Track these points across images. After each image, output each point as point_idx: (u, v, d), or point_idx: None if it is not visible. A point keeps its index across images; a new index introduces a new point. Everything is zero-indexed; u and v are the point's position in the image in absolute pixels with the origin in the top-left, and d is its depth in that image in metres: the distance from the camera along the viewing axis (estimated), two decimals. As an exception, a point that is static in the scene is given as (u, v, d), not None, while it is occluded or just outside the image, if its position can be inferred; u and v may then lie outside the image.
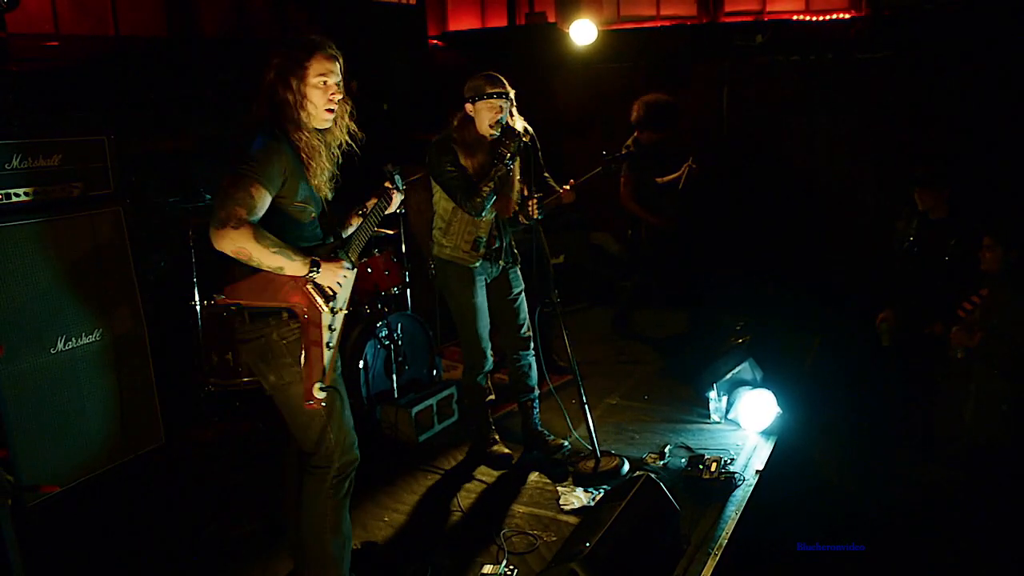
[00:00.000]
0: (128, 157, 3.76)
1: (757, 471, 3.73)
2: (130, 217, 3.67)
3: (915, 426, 4.37)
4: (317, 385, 2.46)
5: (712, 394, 4.38)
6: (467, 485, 3.74)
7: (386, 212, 2.83)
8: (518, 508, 3.51)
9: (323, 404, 2.49)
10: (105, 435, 3.58)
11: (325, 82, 2.51)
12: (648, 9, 7.32)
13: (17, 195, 3.27)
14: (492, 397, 4.05)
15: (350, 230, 2.81)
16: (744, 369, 4.40)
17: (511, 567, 2.94)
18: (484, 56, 7.35)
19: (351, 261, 2.65)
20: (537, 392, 4.00)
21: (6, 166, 3.23)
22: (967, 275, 4.17)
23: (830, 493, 4.01)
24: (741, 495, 3.51)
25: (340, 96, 2.56)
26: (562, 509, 3.47)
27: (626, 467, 3.74)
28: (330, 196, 2.69)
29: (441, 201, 3.69)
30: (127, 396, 3.65)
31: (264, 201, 2.37)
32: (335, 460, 2.62)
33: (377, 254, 4.56)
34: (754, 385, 4.34)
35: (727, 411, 4.36)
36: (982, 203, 4.72)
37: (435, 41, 7.70)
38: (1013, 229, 3.90)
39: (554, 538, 3.25)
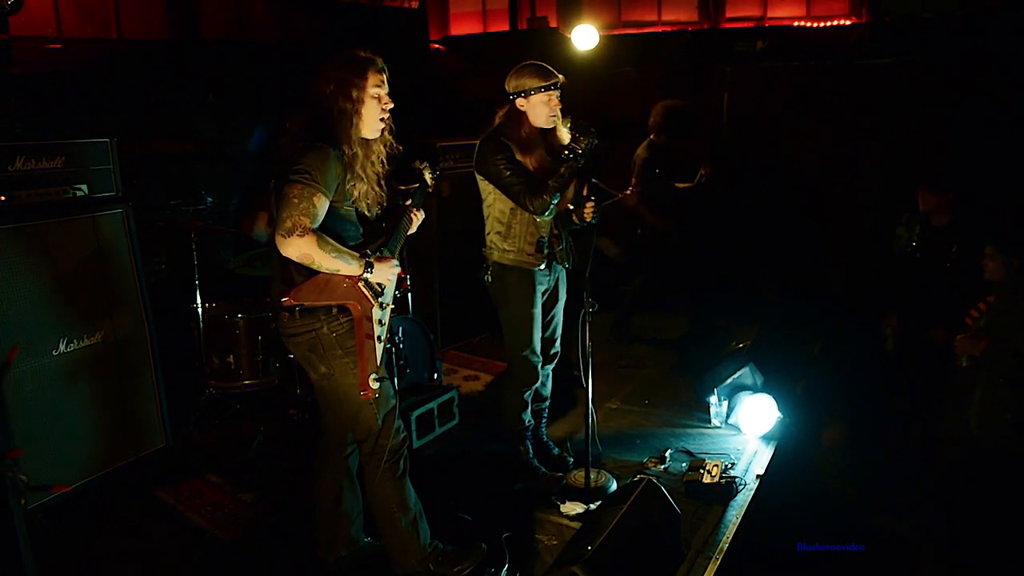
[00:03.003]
0: (130, 159, 3.77)
1: (758, 476, 3.74)
2: (133, 219, 3.67)
3: (917, 433, 4.37)
4: (372, 376, 2.64)
5: (713, 398, 4.38)
6: (468, 488, 3.74)
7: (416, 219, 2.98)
8: (519, 512, 3.51)
9: (376, 394, 2.67)
10: (107, 437, 3.58)
11: (379, 95, 2.67)
12: (650, 14, 7.34)
13: (20, 197, 3.28)
14: (532, 421, 3.80)
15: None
16: (745, 374, 4.40)
17: (513, 571, 2.94)
18: (486, 61, 7.37)
19: (396, 259, 2.81)
20: (548, 402, 3.92)
21: (9, 168, 3.24)
22: (969, 282, 4.17)
23: (831, 499, 4.01)
24: (742, 500, 3.51)
25: (391, 106, 2.72)
26: (564, 513, 3.47)
27: (614, 486, 3.65)
28: (374, 204, 2.79)
29: (497, 203, 3.47)
30: (129, 398, 3.65)
31: (324, 208, 2.53)
32: (387, 444, 2.78)
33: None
34: (755, 390, 4.34)
35: (728, 416, 4.36)
36: (983, 210, 4.73)
37: (437, 46, 7.72)
38: (1014, 238, 3.91)
39: (555, 541, 3.25)
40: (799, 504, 3.79)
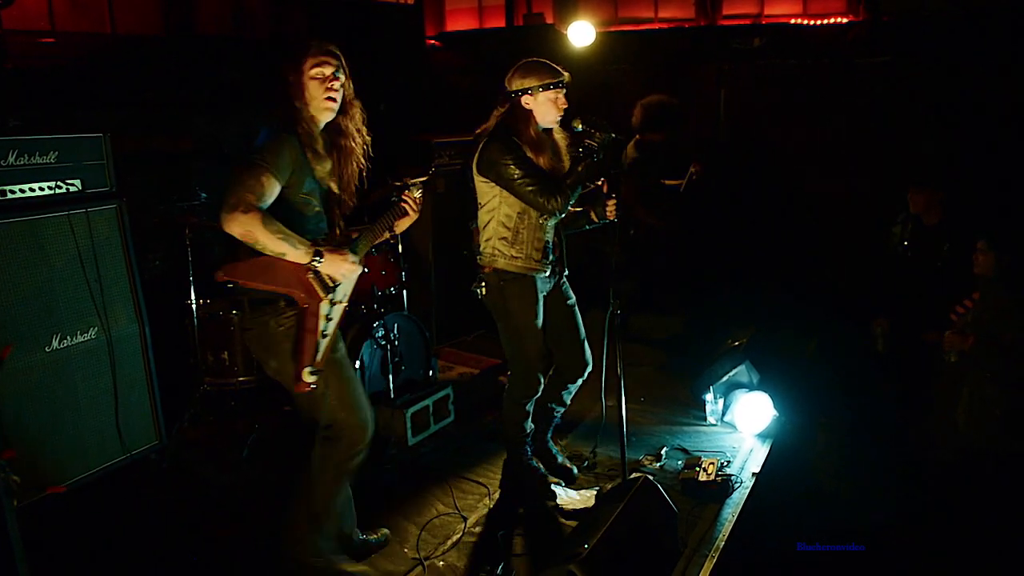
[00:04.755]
0: (125, 155, 3.74)
1: (753, 473, 3.74)
2: (127, 215, 3.65)
3: (910, 430, 4.38)
4: (307, 369, 2.59)
5: (709, 396, 4.39)
6: (464, 486, 3.73)
7: (399, 220, 2.95)
8: (516, 509, 3.50)
9: (313, 387, 2.61)
10: (101, 434, 3.55)
11: (323, 73, 2.65)
12: (646, 11, 7.32)
13: (13, 192, 3.25)
14: (533, 427, 3.67)
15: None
16: (741, 372, 4.40)
17: (508, 569, 2.93)
18: (482, 57, 7.34)
19: (357, 257, 2.74)
20: (564, 409, 3.77)
21: (2, 163, 3.20)
22: (960, 280, 4.18)
23: (826, 496, 4.02)
24: (738, 497, 3.52)
25: (339, 86, 2.70)
26: (560, 510, 3.47)
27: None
28: (349, 185, 2.82)
29: (502, 207, 3.28)
30: (123, 395, 3.63)
31: (273, 189, 2.51)
32: (344, 437, 2.76)
33: (374, 254, 4.55)
34: (751, 388, 4.34)
35: (724, 413, 4.36)
36: (977, 208, 4.74)
37: (432, 42, 7.69)
38: (1006, 234, 3.91)
39: (551, 540, 3.24)
40: (795, 502, 3.79)
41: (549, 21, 7.33)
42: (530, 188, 3.16)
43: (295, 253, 2.53)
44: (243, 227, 2.43)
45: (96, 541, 3.31)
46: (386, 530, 3.25)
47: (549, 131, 3.35)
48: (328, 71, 2.67)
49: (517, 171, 3.16)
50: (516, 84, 3.25)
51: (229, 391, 4.36)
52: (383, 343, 4.23)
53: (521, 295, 3.35)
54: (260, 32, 6.17)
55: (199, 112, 5.13)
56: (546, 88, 3.20)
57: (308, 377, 2.59)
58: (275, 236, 2.47)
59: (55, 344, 3.38)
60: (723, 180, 6.36)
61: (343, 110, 2.76)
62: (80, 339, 3.48)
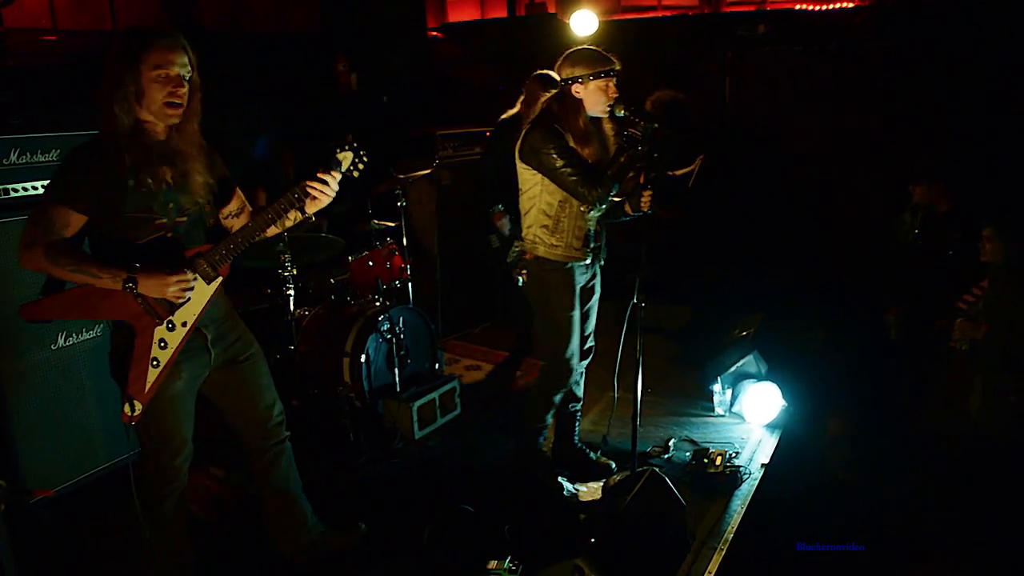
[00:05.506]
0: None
1: (762, 464, 3.72)
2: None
3: (920, 419, 4.35)
4: (127, 404, 2.40)
5: (716, 387, 4.36)
6: (470, 479, 3.72)
7: (303, 206, 2.52)
8: (523, 502, 3.49)
9: (134, 424, 2.43)
10: (107, 432, 3.56)
11: (166, 75, 2.30)
12: (650, -1, 7.27)
13: (16, 191, 3.24)
14: (552, 421, 3.65)
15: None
16: (749, 362, 4.38)
17: (515, 562, 2.92)
18: (484, 48, 7.31)
19: (208, 271, 2.47)
20: (581, 403, 3.77)
21: (4, 161, 3.20)
22: (970, 268, 4.14)
23: (835, 487, 3.99)
24: (747, 489, 3.50)
25: (184, 89, 2.35)
26: (568, 503, 3.45)
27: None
28: (200, 193, 2.51)
29: (543, 195, 3.25)
30: (128, 392, 3.62)
31: (65, 219, 2.29)
32: (156, 476, 2.61)
33: (379, 247, 4.54)
34: (759, 378, 4.32)
35: (732, 404, 4.34)
36: (986, 195, 4.69)
37: (435, 33, 7.66)
38: (1014, 220, 3.87)
39: (559, 532, 3.23)
40: (805, 493, 3.76)
41: (551, 10, 7.28)
42: (571, 178, 3.11)
43: (102, 282, 2.29)
44: (31, 263, 2.27)
45: (104, 535, 3.31)
46: (362, 525, 3.22)
47: (598, 121, 3.28)
48: (174, 71, 2.31)
49: (559, 160, 3.11)
50: (566, 72, 3.18)
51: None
52: (388, 336, 4.22)
53: (560, 285, 3.34)
54: (261, 27, 6.15)
55: (201, 108, 5.11)
56: (597, 76, 3.14)
57: (127, 411, 2.40)
58: (66, 269, 2.27)
59: (61, 342, 3.38)
60: (729, 169, 6.32)
61: (185, 112, 2.40)
62: (86, 336, 3.48)
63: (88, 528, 3.37)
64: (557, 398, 3.53)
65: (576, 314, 3.38)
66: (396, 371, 4.25)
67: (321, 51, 6.07)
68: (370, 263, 4.47)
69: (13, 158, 3.23)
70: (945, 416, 4.14)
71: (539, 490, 3.57)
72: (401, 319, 4.32)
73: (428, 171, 4.87)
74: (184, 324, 2.48)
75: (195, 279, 2.44)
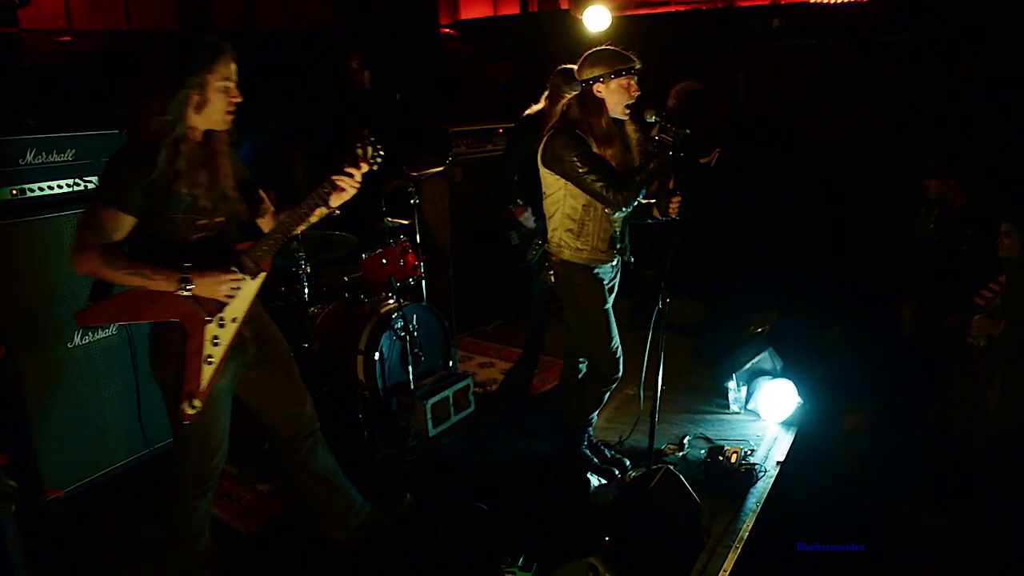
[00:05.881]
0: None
1: (778, 462, 3.69)
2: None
3: (937, 417, 4.31)
4: (186, 402, 2.44)
5: (731, 384, 4.34)
6: (485, 477, 3.72)
7: (328, 200, 2.57)
8: (537, 500, 3.49)
9: (188, 423, 2.48)
10: (123, 429, 3.58)
11: (230, 86, 2.41)
12: (663, -6, 7.22)
13: (32, 190, 3.27)
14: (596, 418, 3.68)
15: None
16: (764, 359, 4.34)
17: (529, 561, 2.91)
18: (496, 45, 7.29)
19: (252, 268, 2.55)
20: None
21: (20, 162, 3.23)
22: (987, 264, 4.09)
23: (850, 484, 3.96)
24: (762, 487, 3.48)
25: (239, 100, 2.46)
26: (582, 501, 3.44)
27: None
28: (231, 202, 2.56)
29: (567, 199, 3.25)
30: (145, 390, 3.65)
31: (118, 223, 2.33)
32: (187, 476, 2.64)
33: (392, 244, 4.54)
34: (774, 375, 4.29)
35: (747, 401, 4.31)
36: (1004, 190, 4.63)
37: (447, 30, 7.65)
38: None
39: (573, 530, 3.22)
40: (820, 491, 3.73)
41: (564, 7, 7.25)
42: (597, 184, 3.10)
43: (155, 284, 2.35)
44: (85, 267, 2.30)
45: (120, 532, 3.34)
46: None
47: (620, 123, 3.26)
48: (233, 82, 2.41)
49: (583, 167, 3.10)
50: (587, 73, 3.17)
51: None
52: (402, 334, 4.22)
53: (587, 284, 3.35)
54: (275, 26, 6.17)
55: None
56: (618, 75, 3.12)
57: (188, 409, 2.44)
58: (121, 272, 2.31)
59: (77, 340, 3.41)
60: (744, 164, 6.28)
61: None
62: (102, 335, 3.50)
63: (104, 525, 3.40)
64: (606, 394, 3.54)
65: (608, 308, 3.40)
66: (410, 369, 4.25)
67: (334, 49, 6.07)
68: (384, 261, 4.48)
69: (29, 158, 3.25)
70: (962, 412, 4.09)
71: (553, 488, 3.57)
72: (415, 317, 4.32)
73: (441, 168, 4.87)
74: (234, 320, 2.55)
75: (243, 277, 2.50)
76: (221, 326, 2.51)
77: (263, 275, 2.62)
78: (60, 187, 3.36)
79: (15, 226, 3.19)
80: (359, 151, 2.50)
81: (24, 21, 4.35)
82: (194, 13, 5.61)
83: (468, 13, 8.08)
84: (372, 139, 2.52)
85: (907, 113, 5.91)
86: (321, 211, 2.64)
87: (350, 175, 2.51)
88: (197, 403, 2.47)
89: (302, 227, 2.70)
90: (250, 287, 2.57)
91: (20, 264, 3.20)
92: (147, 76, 2.32)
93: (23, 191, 3.24)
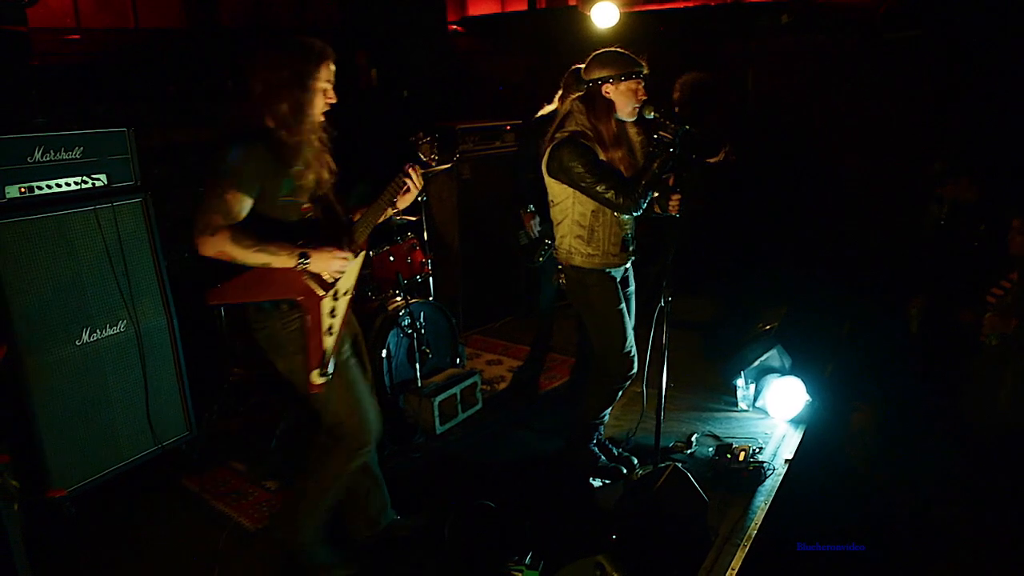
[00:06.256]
0: (149, 148, 3.76)
1: (786, 460, 3.67)
2: (152, 208, 3.67)
3: (945, 414, 4.28)
4: (316, 372, 2.59)
5: (740, 381, 4.32)
6: (492, 474, 3.72)
7: (401, 196, 2.76)
8: (544, 498, 3.48)
9: (321, 389, 2.63)
10: (132, 426, 3.60)
11: (326, 89, 2.58)
12: (672, -10, 7.19)
13: (40, 188, 3.28)
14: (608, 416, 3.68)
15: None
16: (772, 356, 4.32)
17: (537, 559, 2.91)
18: (505, 41, 7.28)
19: (353, 246, 2.70)
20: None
21: (28, 159, 3.24)
22: (998, 260, 4.05)
23: (861, 483, 3.94)
24: (771, 485, 3.46)
25: (334, 101, 2.62)
26: (589, 499, 3.43)
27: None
28: (326, 188, 2.71)
29: (576, 206, 3.25)
30: (153, 387, 3.66)
31: (242, 204, 2.46)
32: (344, 439, 2.76)
33: (400, 241, 4.53)
34: (783, 372, 4.27)
35: (755, 399, 4.29)
36: (1016, 187, 4.59)
37: (454, 27, 7.64)
38: None
39: (581, 528, 3.21)
40: (829, 489, 3.72)
41: (572, 3, 7.23)
42: (604, 193, 3.10)
43: (278, 260, 2.50)
44: (214, 248, 2.41)
45: (128, 530, 3.35)
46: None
47: (623, 125, 3.25)
48: (332, 81, 2.59)
49: (589, 176, 3.10)
50: (596, 73, 3.16)
51: (258, 381, 4.38)
52: (409, 331, 4.22)
53: (600, 286, 3.34)
54: (283, 22, 6.17)
55: (223, 104, 5.15)
56: (628, 77, 3.12)
57: (317, 379, 2.60)
58: (250, 250, 2.44)
59: (85, 338, 3.42)
60: (752, 160, 6.24)
61: None
62: (110, 332, 3.51)
63: (113, 522, 3.41)
64: (618, 394, 3.52)
65: (623, 307, 3.38)
66: (417, 366, 4.25)
67: (341, 46, 6.07)
68: (391, 258, 4.47)
69: (37, 156, 3.26)
70: (973, 410, 4.06)
71: (562, 486, 3.56)
72: (422, 314, 4.32)
73: (448, 165, 4.86)
74: (346, 293, 2.71)
75: (350, 253, 2.66)
76: (336, 299, 2.66)
77: (363, 254, 2.78)
78: (68, 185, 3.37)
79: (23, 224, 3.20)
80: (421, 153, 2.72)
81: (32, 20, 4.36)
82: (202, 11, 5.61)
83: (476, 10, 8.06)
84: (428, 139, 2.73)
85: (915, 109, 5.87)
86: (388, 211, 2.79)
87: (411, 176, 2.71)
88: (327, 370, 2.62)
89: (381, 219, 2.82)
90: (355, 264, 2.73)
91: (28, 262, 3.21)
92: (262, 72, 2.49)
93: (31, 189, 3.25)
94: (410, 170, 2.71)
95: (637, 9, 7.12)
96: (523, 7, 7.61)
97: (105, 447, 3.50)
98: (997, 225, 4.16)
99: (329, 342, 2.64)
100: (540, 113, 4.56)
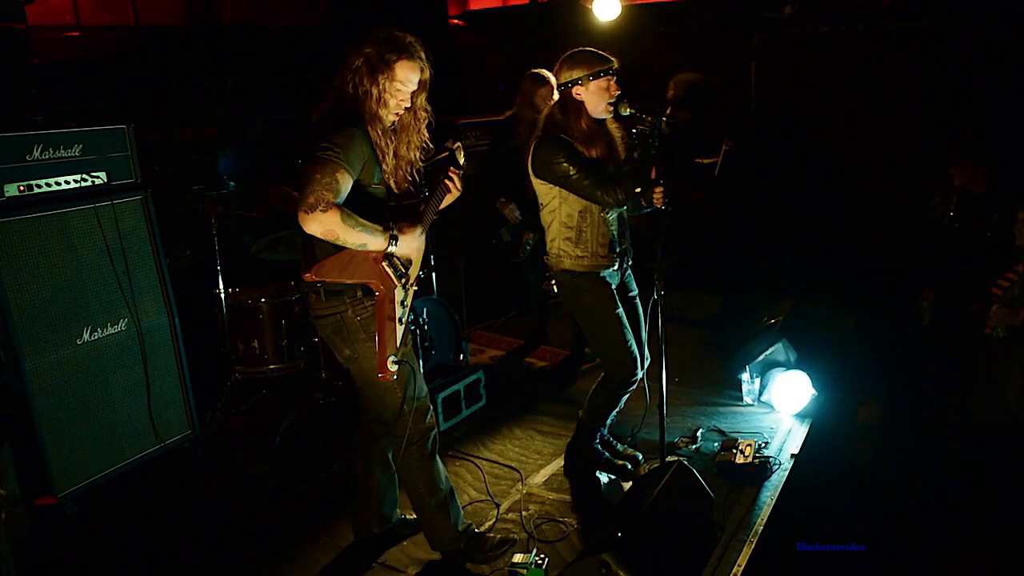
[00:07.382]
0: (150, 146, 3.74)
1: (792, 455, 3.65)
2: (152, 206, 3.65)
3: (953, 407, 4.25)
4: (391, 358, 2.60)
5: (745, 376, 4.29)
6: (496, 471, 3.70)
7: (439, 207, 2.85)
8: (548, 495, 3.46)
9: (395, 376, 2.64)
10: (134, 425, 3.58)
11: (400, 89, 2.61)
12: (674, -17, 7.13)
13: (40, 186, 3.26)
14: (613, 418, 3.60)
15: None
16: (777, 350, 4.29)
17: (541, 555, 2.89)
18: (506, 35, 7.24)
19: (424, 231, 2.75)
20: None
21: (27, 157, 3.22)
22: (1009, 251, 4.02)
23: (867, 477, 3.91)
24: (776, 480, 3.43)
25: (408, 106, 2.66)
26: (594, 496, 3.41)
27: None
28: (402, 182, 2.78)
29: (563, 207, 3.22)
30: (155, 386, 3.65)
31: (348, 184, 2.48)
32: (410, 427, 2.77)
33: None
34: (788, 366, 4.23)
35: (760, 393, 4.26)
36: (1021, 178, 4.55)
37: (455, 21, 7.60)
38: None
39: (585, 526, 3.19)
40: (835, 485, 3.69)
41: (574, -4, 7.18)
42: (587, 184, 3.08)
43: (374, 241, 2.53)
44: (324, 225, 2.40)
45: (130, 529, 3.34)
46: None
47: (602, 122, 3.23)
48: (408, 88, 2.62)
49: (572, 169, 3.08)
50: (564, 76, 3.15)
51: (260, 380, 4.37)
52: (412, 328, 4.20)
53: (593, 290, 3.29)
54: (284, 19, 6.14)
55: (224, 102, 5.13)
56: (596, 76, 3.11)
57: (392, 366, 2.61)
58: (355, 229, 2.46)
59: (86, 336, 3.40)
60: (757, 153, 6.21)
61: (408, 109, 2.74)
62: (111, 331, 3.50)
63: (115, 521, 3.40)
64: (622, 400, 3.45)
65: (619, 311, 3.30)
66: (420, 363, 4.22)
67: (343, 42, 6.03)
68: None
69: (36, 154, 3.25)
70: (981, 404, 4.03)
71: (566, 483, 3.54)
72: (425, 310, 4.30)
73: (445, 154, 4.82)
74: (412, 284, 2.75)
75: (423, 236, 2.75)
76: (405, 288, 2.69)
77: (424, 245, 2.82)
78: (67, 183, 3.35)
79: (23, 222, 3.18)
80: (459, 156, 2.83)
81: (32, 17, 4.35)
82: (202, 9, 5.59)
83: (477, 4, 8.02)
84: (458, 144, 2.85)
85: (920, 100, 5.83)
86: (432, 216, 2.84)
87: (453, 179, 2.80)
88: (399, 356, 2.64)
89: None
90: (420, 254, 2.78)
91: (28, 260, 3.19)
92: (351, 56, 2.57)
93: (30, 187, 3.23)
94: (453, 175, 2.79)
95: (639, 1, 7.08)
96: (525, 1, 7.57)
97: (107, 446, 3.48)
98: (1009, 215, 4.13)
99: (400, 330, 2.67)
100: (507, 114, 4.57)
